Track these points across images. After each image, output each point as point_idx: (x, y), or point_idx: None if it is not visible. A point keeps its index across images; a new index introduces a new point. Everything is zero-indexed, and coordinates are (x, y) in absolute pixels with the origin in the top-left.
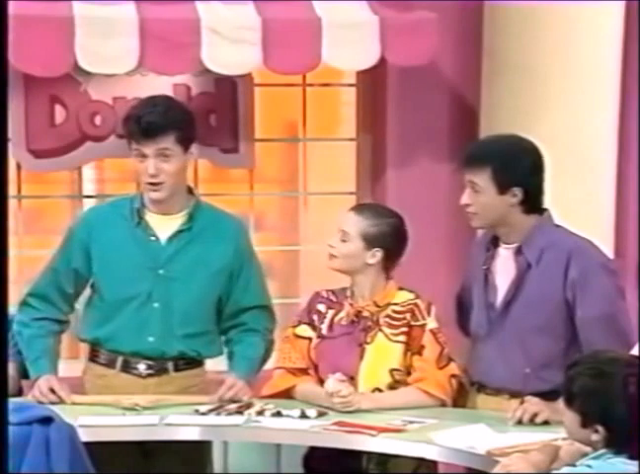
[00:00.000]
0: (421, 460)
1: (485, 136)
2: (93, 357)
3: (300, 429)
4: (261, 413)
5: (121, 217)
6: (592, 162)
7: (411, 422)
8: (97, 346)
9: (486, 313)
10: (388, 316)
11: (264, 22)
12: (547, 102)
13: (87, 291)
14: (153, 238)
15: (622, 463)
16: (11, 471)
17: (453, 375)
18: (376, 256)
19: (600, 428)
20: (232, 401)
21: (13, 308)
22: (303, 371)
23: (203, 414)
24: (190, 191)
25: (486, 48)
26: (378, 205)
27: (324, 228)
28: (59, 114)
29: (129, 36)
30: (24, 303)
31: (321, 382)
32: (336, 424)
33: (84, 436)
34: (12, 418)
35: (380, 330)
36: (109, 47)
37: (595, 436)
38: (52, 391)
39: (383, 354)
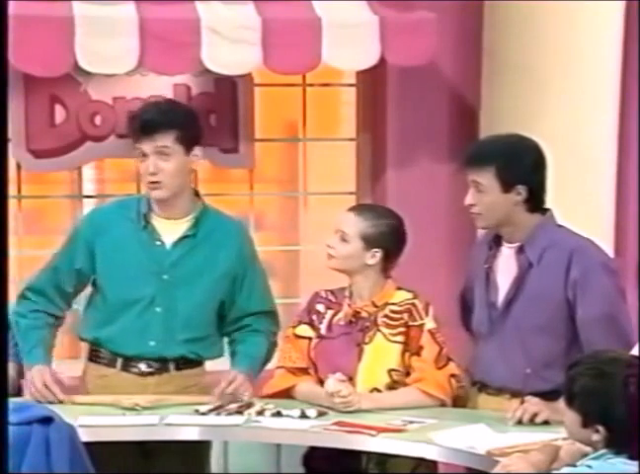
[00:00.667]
0: (420, 460)
1: (486, 136)
2: (93, 357)
3: (300, 429)
4: (261, 413)
5: (127, 219)
6: (592, 162)
7: (411, 422)
8: (97, 346)
9: (487, 312)
10: (386, 316)
11: (264, 22)
12: (547, 102)
13: (87, 290)
14: (158, 243)
15: (622, 463)
16: (11, 471)
17: (453, 375)
18: (376, 256)
19: (600, 428)
20: (232, 401)
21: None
22: (303, 371)
23: (203, 414)
24: (196, 194)
25: (486, 48)
26: (377, 206)
27: (324, 228)
28: (59, 114)
29: (129, 35)
30: (22, 296)
31: (321, 382)
32: (336, 424)
33: (84, 436)
34: (12, 418)
35: (379, 330)
36: (109, 47)
37: (595, 437)
38: (46, 386)
39: (381, 354)
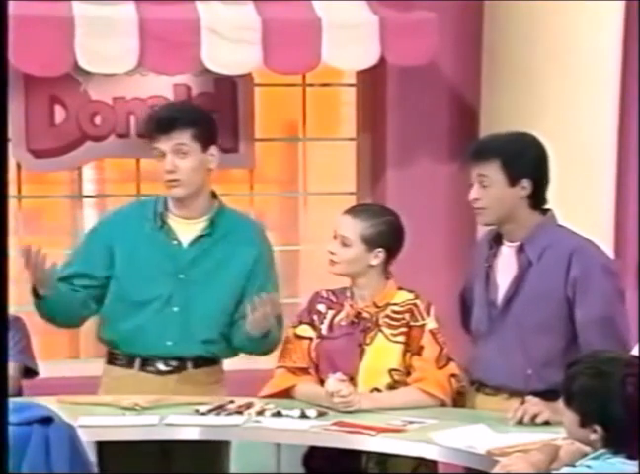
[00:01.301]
0: (420, 460)
1: (486, 135)
2: (111, 360)
3: (300, 429)
4: (261, 413)
5: (145, 219)
6: (592, 162)
7: (411, 422)
8: (114, 347)
9: (487, 311)
10: (388, 316)
11: (264, 22)
12: (547, 102)
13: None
14: (175, 242)
15: (622, 463)
16: (11, 471)
17: (453, 375)
18: (379, 256)
19: (598, 427)
20: (231, 401)
21: (13, 308)
22: (304, 371)
23: (203, 414)
24: (214, 195)
25: (486, 48)
26: (372, 205)
27: (324, 228)
28: (59, 114)
29: (129, 35)
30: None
31: (321, 382)
32: (336, 424)
33: (84, 436)
34: (12, 418)
35: (380, 330)
36: (109, 47)
37: (593, 436)
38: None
39: (383, 354)
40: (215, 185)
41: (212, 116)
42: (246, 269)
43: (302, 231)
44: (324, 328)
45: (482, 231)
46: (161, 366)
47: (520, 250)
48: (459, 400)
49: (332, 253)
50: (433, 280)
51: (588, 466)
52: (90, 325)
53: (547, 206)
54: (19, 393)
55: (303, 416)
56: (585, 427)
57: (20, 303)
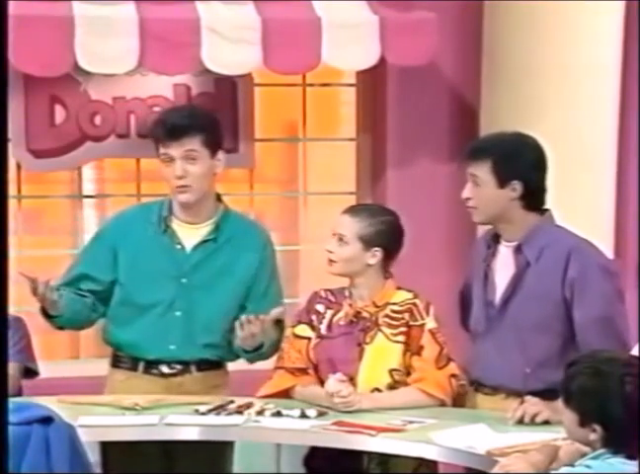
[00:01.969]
0: (421, 460)
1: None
2: (115, 363)
3: (300, 429)
4: (261, 413)
5: (149, 223)
6: (592, 162)
7: (411, 422)
8: (119, 350)
9: (485, 310)
10: (387, 316)
11: (264, 22)
12: (547, 102)
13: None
14: (179, 246)
15: (621, 463)
16: (11, 471)
17: (453, 375)
18: (376, 256)
19: (597, 427)
20: (231, 401)
21: (13, 308)
22: (303, 371)
23: (203, 414)
24: (218, 198)
25: (486, 48)
26: (371, 205)
27: (324, 228)
28: (59, 114)
29: (129, 35)
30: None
31: (321, 382)
32: (336, 424)
33: (84, 436)
34: (12, 418)
35: (379, 330)
36: (109, 47)
37: (592, 436)
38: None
39: (382, 354)
40: (215, 185)
41: (219, 120)
42: (249, 274)
43: (302, 231)
44: (323, 328)
45: (482, 230)
46: (165, 369)
47: (518, 250)
48: (459, 400)
49: (330, 251)
50: (433, 280)
51: (587, 466)
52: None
53: (545, 206)
54: (19, 393)
55: (303, 416)
56: (584, 426)
57: (20, 303)
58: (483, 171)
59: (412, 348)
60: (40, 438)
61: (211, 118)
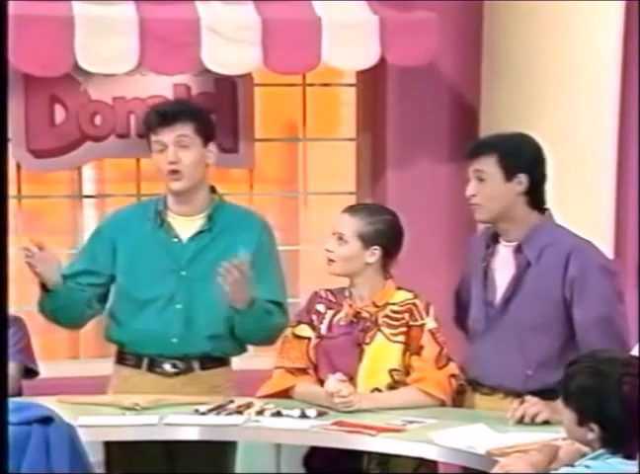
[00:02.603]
0: (421, 460)
1: (487, 134)
2: (120, 360)
3: (300, 429)
4: (261, 413)
5: (146, 219)
6: (591, 162)
7: (411, 422)
8: (122, 347)
9: (484, 310)
10: (387, 316)
11: (264, 22)
12: (547, 102)
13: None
14: (175, 239)
15: (621, 463)
16: (11, 471)
17: (453, 375)
18: (375, 254)
19: (594, 426)
20: (231, 401)
21: (13, 308)
22: (302, 371)
23: (203, 414)
24: (213, 190)
25: (486, 48)
26: (371, 204)
27: (324, 228)
28: (59, 114)
29: (129, 35)
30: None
31: (321, 382)
32: (335, 423)
33: (84, 436)
34: (12, 418)
35: (379, 330)
36: (109, 47)
37: (590, 435)
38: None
39: (383, 354)
40: (215, 185)
41: (208, 112)
42: (249, 256)
43: (302, 231)
44: (323, 328)
45: (480, 229)
46: (168, 368)
47: (518, 250)
48: (459, 400)
49: (329, 250)
50: (433, 280)
51: (587, 466)
52: (90, 325)
53: (545, 206)
54: (19, 393)
55: (303, 416)
56: (582, 425)
57: (20, 303)
58: (489, 165)
59: (412, 348)
60: (40, 438)
61: (202, 108)
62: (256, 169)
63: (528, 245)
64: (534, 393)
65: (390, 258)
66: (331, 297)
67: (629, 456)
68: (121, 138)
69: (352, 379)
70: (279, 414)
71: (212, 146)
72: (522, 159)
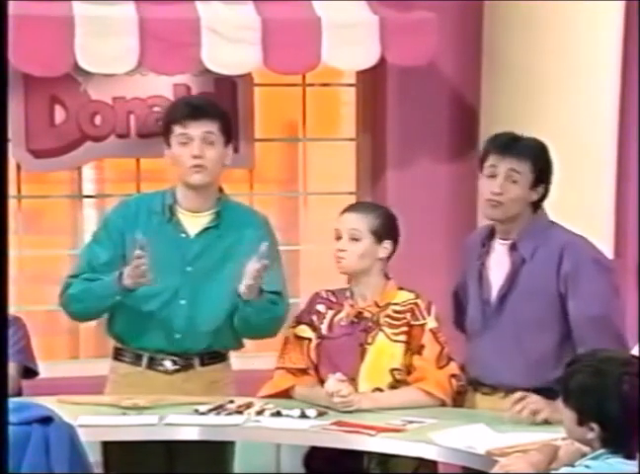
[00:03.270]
0: (421, 460)
1: (487, 136)
2: (118, 356)
3: (300, 429)
4: (261, 412)
5: (153, 212)
6: (591, 162)
7: (410, 422)
8: (122, 343)
9: (481, 309)
10: (389, 316)
11: (264, 22)
12: (547, 102)
13: None
14: (183, 235)
15: (621, 463)
16: (11, 471)
17: (453, 375)
18: (387, 248)
19: (594, 425)
20: (231, 401)
21: (13, 308)
22: (303, 372)
23: (203, 414)
24: (220, 190)
25: (486, 48)
26: (364, 202)
27: (324, 228)
28: (59, 114)
29: (129, 35)
30: (67, 285)
31: (321, 382)
32: (335, 423)
33: (84, 436)
34: (12, 418)
35: (381, 330)
36: (109, 47)
37: (590, 434)
38: None
39: (384, 354)
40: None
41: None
42: (251, 253)
43: (302, 231)
44: (324, 328)
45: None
46: (168, 365)
47: (513, 247)
48: (459, 400)
49: (342, 250)
50: (433, 280)
51: (587, 466)
52: (90, 325)
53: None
54: (19, 393)
55: (303, 416)
56: (582, 425)
57: (20, 303)
58: (525, 168)
59: (413, 347)
60: (40, 438)
61: (225, 110)
62: (256, 169)
63: (523, 242)
64: (534, 391)
65: (392, 254)
66: (332, 298)
67: (629, 456)
68: (121, 138)
69: (353, 379)
70: (278, 414)
71: (230, 148)
72: (549, 171)
